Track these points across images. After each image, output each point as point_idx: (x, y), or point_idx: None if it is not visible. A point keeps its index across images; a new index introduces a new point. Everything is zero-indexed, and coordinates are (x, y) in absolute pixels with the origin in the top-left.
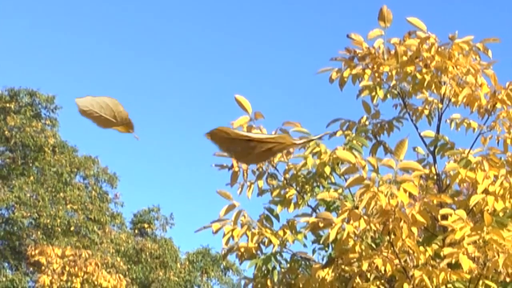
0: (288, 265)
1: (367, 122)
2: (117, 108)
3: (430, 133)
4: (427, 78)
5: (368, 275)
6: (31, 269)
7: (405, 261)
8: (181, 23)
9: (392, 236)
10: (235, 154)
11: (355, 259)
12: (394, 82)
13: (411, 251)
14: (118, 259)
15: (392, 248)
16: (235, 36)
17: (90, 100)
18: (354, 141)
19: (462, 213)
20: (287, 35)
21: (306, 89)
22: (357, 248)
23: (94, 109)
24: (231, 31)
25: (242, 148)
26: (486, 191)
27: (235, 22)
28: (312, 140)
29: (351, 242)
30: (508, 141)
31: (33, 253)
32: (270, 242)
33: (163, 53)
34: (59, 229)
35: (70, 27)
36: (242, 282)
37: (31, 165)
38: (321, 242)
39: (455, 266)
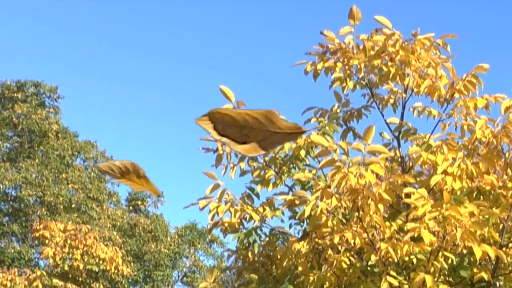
0: (267, 238)
1: (338, 110)
2: (135, 168)
3: (395, 120)
4: (392, 70)
5: (339, 247)
6: (36, 242)
7: (373, 235)
8: (178, 21)
9: (361, 212)
10: (231, 140)
11: (327, 233)
12: (362, 74)
13: (377, 226)
14: (114, 233)
15: (360, 223)
16: (226, 34)
17: (110, 165)
18: (327, 127)
19: (423, 191)
20: (267, 32)
21: (283, 80)
22: (329, 223)
23: (114, 172)
24: (223, 30)
25: (238, 133)
26: (445, 172)
27: (225, 21)
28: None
29: (323, 218)
30: (465, 127)
31: (38, 227)
32: (251, 217)
33: (155, 46)
34: (61, 206)
35: (70, 24)
36: (226, 254)
37: (36, 149)
38: (297, 218)
39: (417, 239)
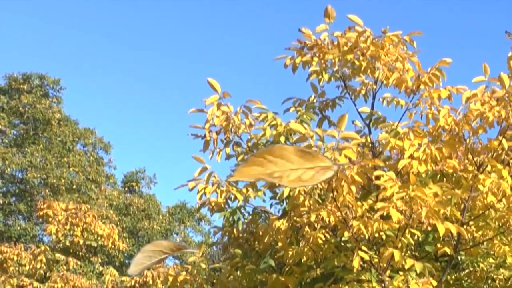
0: (250, 216)
1: (314, 100)
2: (160, 246)
3: (366, 109)
4: (364, 64)
5: (316, 225)
6: (40, 220)
7: (346, 213)
8: (171, 17)
9: (335, 193)
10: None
11: (304, 212)
12: (336, 67)
13: (350, 205)
14: (111, 212)
15: (335, 203)
16: (215, 31)
17: (138, 263)
18: (304, 116)
19: (392, 174)
20: (251, 30)
21: (265, 73)
22: (306, 203)
23: (145, 263)
24: (214, 27)
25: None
26: (411, 157)
27: (216, 20)
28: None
29: (301, 198)
30: (430, 115)
31: (42, 207)
32: (235, 198)
33: (147, 40)
34: (63, 188)
35: (72, 21)
36: (213, 231)
37: (40, 135)
38: (277, 198)
39: (386, 218)
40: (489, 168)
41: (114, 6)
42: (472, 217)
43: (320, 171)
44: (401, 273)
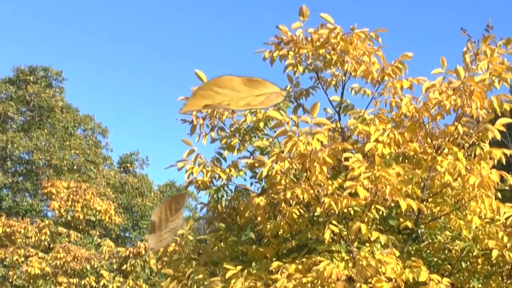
0: (233, 194)
1: (290, 90)
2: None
3: (336, 98)
4: (334, 58)
5: (291, 201)
6: (45, 197)
7: (318, 191)
8: (164, 14)
9: (308, 173)
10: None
11: (281, 190)
12: (310, 61)
13: (322, 184)
14: (108, 189)
15: (308, 182)
16: (203, 28)
17: (154, 240)
18: (281, 104)
19: (359, 156)
20: (234, 26)
21: (247, 64)
22: (283, 182)
23: (164, 239)
24: (201, 24)
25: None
26: (376, 140)
27: (204, 18)
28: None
29: (278, 177)
30: (393, 103)
31: (46, 185)
32: (219, 177)
33: (140, 36)
34: (65, 168)
35: (73, 18)
36: (199, 206)
37: (45, 121)
38: (256, 177)
39: (354, 195)
40: (446, 150)
41: (111, 4)
42: (430, 195)
43: (270, 97)
44: (367, 244)
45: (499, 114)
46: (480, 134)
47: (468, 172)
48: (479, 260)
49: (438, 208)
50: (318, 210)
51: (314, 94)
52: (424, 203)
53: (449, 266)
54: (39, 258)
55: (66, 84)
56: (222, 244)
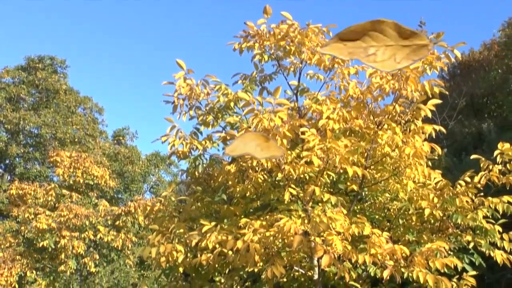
0: (208, 162)
1: (256, 75)
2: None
3: (294, 82)
4: (293, 48)
5: (257, 168)
6: (51, 164)
7: (279, 160)
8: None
9: None
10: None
11: (248, 158)
12: (272, 51)
13: (283, 154)
14: (104, 158)
15: None
16: (186, 21)
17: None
18: (248, 87)
19: (313, 131)
20: (211, 22)
21: (220, 54)
22: None
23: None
24: (185, 17)
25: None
26: (328, 117)
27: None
28: None
29: None
30: (342, 87)
31: (52, 155)
32: (197, 148)
33: (133, 28)
34: (68, 140)
35: (75, 14)
36: (180, 173)
37: (51, 101)
38: None
39: (309, 163)
40: (386, 126)
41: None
42: (373, 163)
43: (415, 51)
44: (320, 204)
45: (430, 96)
46: (414, 112)
47: (404, 144)
48: (413, 218)
49: (379, 174)
50: (279, 175)
51: (275, 79)
52: (367, 170)
53: (388, 223)
54: (46, 215)
55: (69, 70)
56: (199, 204)
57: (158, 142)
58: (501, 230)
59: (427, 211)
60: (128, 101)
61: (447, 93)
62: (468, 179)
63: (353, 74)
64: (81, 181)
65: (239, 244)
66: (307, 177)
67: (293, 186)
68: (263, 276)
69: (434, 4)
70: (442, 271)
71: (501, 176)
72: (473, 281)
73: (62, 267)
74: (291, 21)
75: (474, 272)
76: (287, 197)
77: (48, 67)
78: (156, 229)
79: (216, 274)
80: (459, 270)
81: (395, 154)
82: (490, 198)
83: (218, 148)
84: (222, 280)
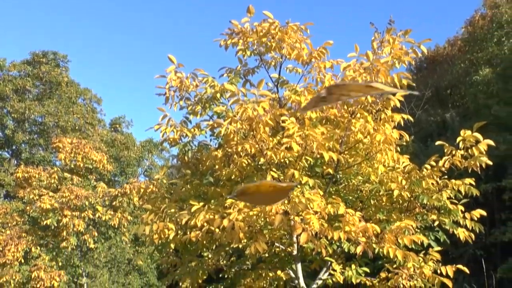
0: (197, 148)
1: (240, 69)
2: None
3: (275, 75)
4: (273, 44)
5: (241, 153)
6: (54, 150)
7: (262, 146)
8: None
9: (254, 132)
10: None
11: (234, 144)
12: (255, 47)
13: (265, 140)
14: (102, 144)
15: (254, 139)
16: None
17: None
18: (233, 79)
19: (293, 119)
20: (201, 20)
21: (207, 50)
22: (235, 138)
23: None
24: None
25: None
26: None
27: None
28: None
29: (231, 135)
30: (318, 79)
31: (55, 141)
32: (186, 135)
33: (128, 23)
34: (69, 128)
35: (78, 10)
36: (171, 158)
37: (54, 93)
38: (215, 135)
39: (289, 149)
40: (358, 115)
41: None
42: (347, 148)
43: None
44: (299, 186)
45: (399, 88)
46: (384, 102)
47: (375, 131)
48: (384, 198)
49: (352, 158)
50: (262, 160)
51: (258, 72)
52: (342, 155)
53: (360, 203)
54: (50, 196)
55: (70, 64)
56: (188, 186)
57: (151, 129)
58: (463, 209)
59: (396, 192)
60: (124, 92)
61: (414, 85)
62: (433, 163)
63: (328, 68)
64: (81, 165)
65: (225, 222)
66: (287, 162)
67: (274, 169)
68: (247, 252)
69: (402, 3)
70: (410, 247)
71: (463, 160)
72: (438, 256)
73: (64, 244)
74: (272, 19)
75: (439, 248)
76: (269, 179)
77: (51, 61)
78: (149, 209)
79: (204, 250)
80: (425, 246)
81: (367, 141)
82: (453, 180)
83: (206, 136)
84: (210, 255)
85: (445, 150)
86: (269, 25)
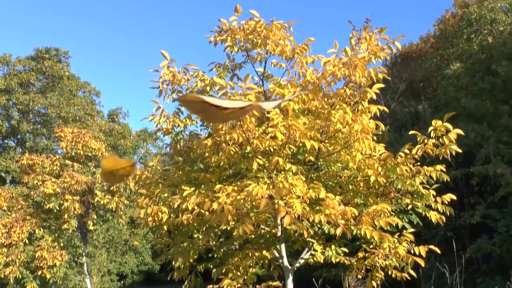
0: (188, 137)
1: (228, 64)
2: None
3: (260, 69)
4: (259, 41)
5: (229, 142)
6: (56, 139)
7: (248, 135)
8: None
9: (242, 122)
10: (203, 117)
11: (222, 134)
12: (242, 43)
13: (251, 130)
14: (101, 134)
15: (241, 128)
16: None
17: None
18: (222, 74)
19: (277, 110)
20: (192, 18)
21: (198, 46)
22: (224, 128)
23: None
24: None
25: (210, 113)
26: (288, 99)
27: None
28: (281, 102)
29: (220, 126)
30: (301, 73)
31: (57, 131)
32: (178, 125)
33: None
34: (71, 119)
35: (80, 9)
36: (164, 146)
37: (56, 86)
38: (205, 125)
39: (274, 138)
40: (338, 106)
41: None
42: (327, 137)
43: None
44: (283, 172)
45: (375, 81)
46: (362, 95)
47: (353, 121)
48: (361, 184)
49: (332, 147)
50: (248, 148)
51: (245, 67)
52: (322, 143)
53: (340, 188)
54: (52, 182)
55: (71, 60)
56: (180, 172)
57: (146, 120)
58: (435, 194)
59: (372, 178)
60: (121, 85)
61: (389, 78)
62: (407, 151)
63: (310, 63)
64: (81, 153)
65: (215, 205)
66: (272, 150)
67: (260, 157)
68: (234, 233)
69: (378, 3)
70: (385, 228)
71: (435, 149)
72: (411, 237)
73: (65, 226)
74: (258, 18)
75: (412, 230)
76: (255, 166)
77: (53, 57)
78: (144, 193)
79: (195, 231)
80: (399, 228)
81: (345, 130)
82: (425, 167)
83: (196, 126)
84: (200, 237)
85: (418, 139)
86: (255, 23)
